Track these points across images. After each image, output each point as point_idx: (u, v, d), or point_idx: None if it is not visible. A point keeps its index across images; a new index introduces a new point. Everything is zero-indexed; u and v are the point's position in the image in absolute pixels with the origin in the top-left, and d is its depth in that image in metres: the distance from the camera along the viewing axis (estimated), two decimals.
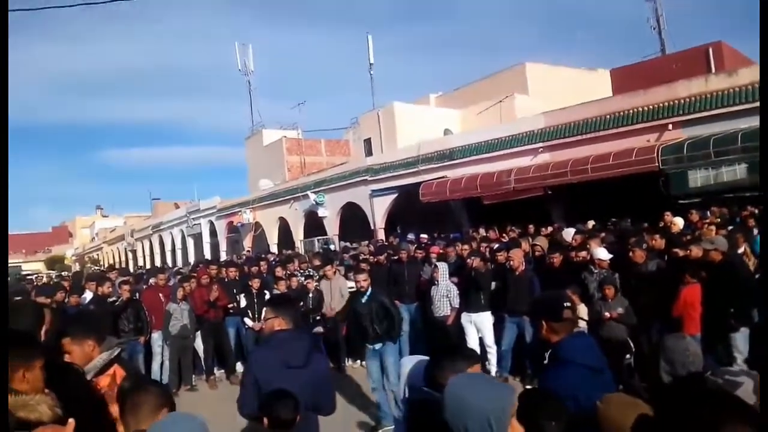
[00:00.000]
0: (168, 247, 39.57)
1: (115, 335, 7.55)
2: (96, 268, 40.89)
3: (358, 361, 10.09)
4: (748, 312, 6.15)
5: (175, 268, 19.93)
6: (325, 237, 23.34)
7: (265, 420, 3.27)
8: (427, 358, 2.76)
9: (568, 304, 3.00)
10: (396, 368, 6.18)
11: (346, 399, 8.03)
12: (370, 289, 7.02)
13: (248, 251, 24.52)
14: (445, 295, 8.58)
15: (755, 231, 8.37)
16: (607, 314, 6.65)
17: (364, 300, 6.93)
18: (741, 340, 6.10)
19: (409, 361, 2.84)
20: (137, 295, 10.28)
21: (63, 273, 40.78)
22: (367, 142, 28.62)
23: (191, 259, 33.23)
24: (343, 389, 8.46)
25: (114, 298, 9.21)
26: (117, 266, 27.24)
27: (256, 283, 10.00)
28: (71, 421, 1.92)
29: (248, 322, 9.83)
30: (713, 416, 1.78)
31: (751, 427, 1.67)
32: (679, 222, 9.68)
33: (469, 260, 8.61)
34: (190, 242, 35.75)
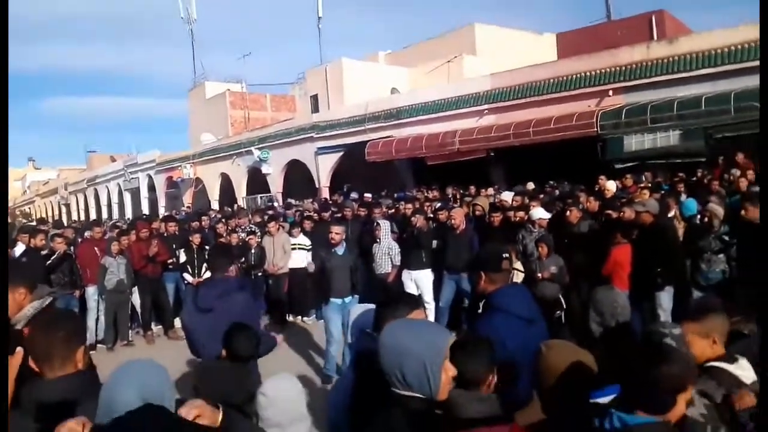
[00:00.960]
0: (104, 202, 38.33)
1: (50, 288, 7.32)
2: (26, 221, 39.30)
3: (300, 317, 10.14)
4: (674, 272, 6.45)
5: (112, 222, 19.34)
6: (268, 194, 23.07)
7: (224, 352, 3.29)
8: (375, 306, 2.81)
9: (506, 255, 3.08)
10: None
11: (294, 354, 8.08)
12: (344, 243, 7.06)
13: (188, 207, 24.05)
14: (387, 252, 8.65)
15: (684, 196, 8.74)
16: (540, 275, 6.87)
17: (341, 252, 6.96)
18: (665, 298, 6.40)
19: (359, 309, 2.89)
20: (72, 248, 9.99)
21: None
22: (314, 99, 28.16)
23: (128, 214, 32.35)
24: (290, 345, 8.51)
25: (46, 251, 8.90)
26: (47, 219, 26.20)
27: (196, 239, 9.84)
28: (19, 349, 1.86)
29: (188, 277, 9.68)
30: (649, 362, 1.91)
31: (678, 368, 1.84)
32: (611, 186, 10.00)
33: (413, 219, 8.68)
34: (128, 197, 34.71)
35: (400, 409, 1.81)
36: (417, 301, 2.68)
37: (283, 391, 2.45)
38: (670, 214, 7.61)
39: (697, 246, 6.39)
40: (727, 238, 6.12)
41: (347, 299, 6.86)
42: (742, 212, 5.85)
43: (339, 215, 10.68)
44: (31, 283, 3.05)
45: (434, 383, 1.80)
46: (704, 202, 7.15)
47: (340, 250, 6.99)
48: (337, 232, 7.03)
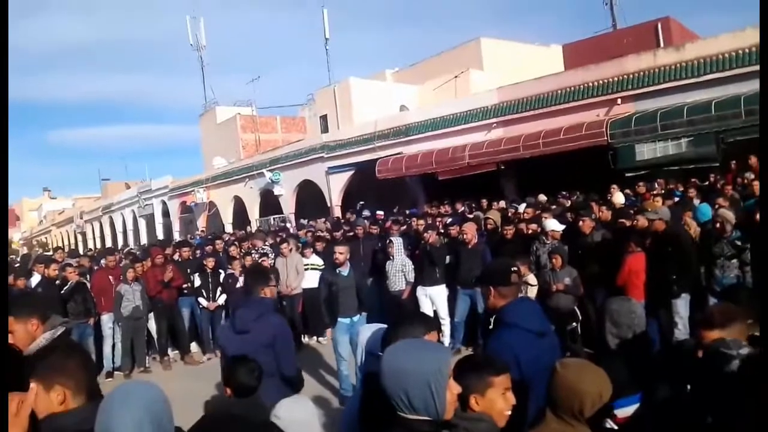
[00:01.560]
0: (119, 229, 38.66)
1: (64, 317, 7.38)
2: (43, 251, 39.71)
3: (315, 338, 10.13)
4: (689, 279, 6.38)
5: (126, 249, 19.51)
6: (281, 215, 23.15)
7: (227, 389, 3.28)
8: (383, 326, 2.79)
9: (515, 268, 3.06)
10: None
11: (310, 375, 8.04)
12: (348, 262, 7.08)
13: (203, 231, 24.18)
14: (400, 269, 8.64)
15: (696, 201, 8.67)
16: (554, 287, 6.82)
17: (345, 273, 6.97)
18: (682, 305, 6.33)
19: (367, 329, 2.86)
20: (88, 276, 10.08)
21: (11, 257, 39.43)
22: (323, 119, 28.33)
23: (143, 240, 32.58)
24: (305, 366, 8.48)
25: (59, 281, 8.98)
26: (63, 248, 26.46)
27: (210, 263, 9.90)
28: (33, 386, 1.86)
29: (203, 302, 9.73)
30: None
31: None
32: (619, 199, 9.92)
33: (425, 235, 8.67)
34: (142, 223, 34.99)
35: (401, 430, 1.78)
36: (433, 323, 2.66)
37: (296, 413, 2.44)
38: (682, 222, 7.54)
39: (710, 252, 6.32)
40: (740, 243, 6.04)
41: (355, 318, 6.89)
42: (757, 216, 5.78)
43: (351, 234, 10.69)
44: (43, 314, 3.07)
45: (440, 404, 1.77)
46: (716, 207, 7.10)
47: (344, 270, 7.01)
48: (341, 252, 7.06)
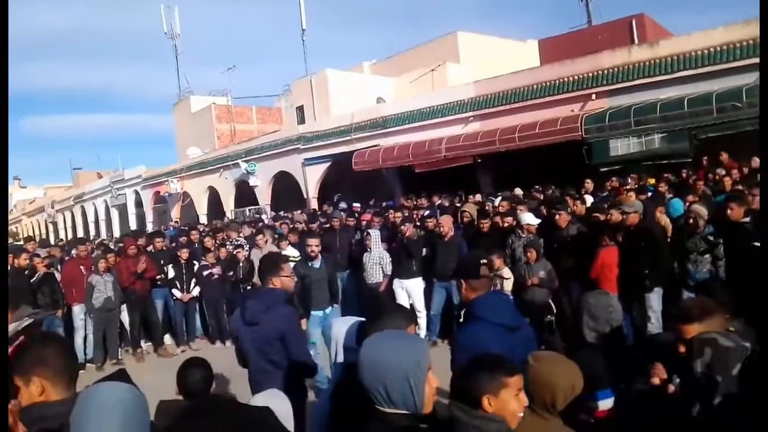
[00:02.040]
0: (91, 219, 38.00)
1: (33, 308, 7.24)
2: (13, 240, 38.89)
3: None
4: (662, 273, 6.48)
5: (98, 240, 19.20)
6: (256, 206, 22.99)
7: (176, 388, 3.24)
8: (359, 319, 2.78)
9: (484, 261, 3.07)
10: None
11: None
12: (320, 255, 7.10)
13: (176, 222, 23.89)
14: (378, 262, 8.63)
15: (668, 196, 8.81)
16: (529, 281, 6.89)
17: (317, 265, 6.98)
18: (655, 299, 6.43)
19: (342, 323, 2.84)
20: (59, 267, 9.91)
21: None
22: (300, 110, 28.16)
23: (116, 230, 32.11)
24: None
25: (28, 271, 8.82)
26: (34, 238, 25.93)
27: (185, 254, 9.81)
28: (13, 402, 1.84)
29: (176, 293, 9.65)
30: None
31: None
32: (588, 200, 9.99)
33: (402, 227, 8.67)
34: (115, 213, 34.45)
35: (384, 426, 1.77)
36: (411, 315, 2.66)
37: (271, 407, 2.42)
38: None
39: (683, 247, 6.42)
40: (712, 238, 6.14)
41: (327, 310, 6.92)
42: (728, 212, 5.89)
43: (328, 226, 10.65)
44: (13, 304, 3.02)
45: (418, 397, 1.77)
46: (688, 203, 7.22)
47: (317, 263, 7.03)
48: (316, 244, 7.07)
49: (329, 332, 5.68)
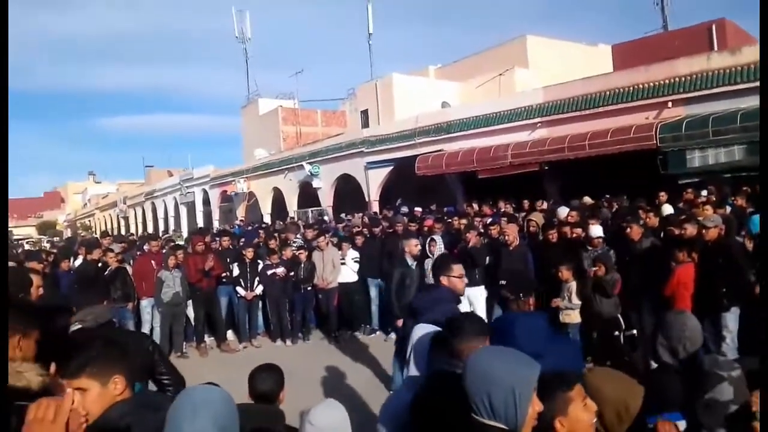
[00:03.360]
0: (161, 215, 39.44)
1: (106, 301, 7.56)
2: (86, 234, 40.77)
3: (349, 332, 10.12)
4: (740, 292, 6.13)
5: (166, 236, 19.84)
6: (319, 208, 23.27)
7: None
8: (437, 328, 2.74)
9: (503, 282, 2.97)
10: None
11: (343, 370, 8.04)
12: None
13: (242, 221, 24.46)
14: None
15: (749, 210, 8.35)
16: (589, 272, 6.70)
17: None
18: (731, 319, 6.10)
19: (422, 329, 2.82)
20: (131, 261, 10.29)
21: (54, 239, 40.68)
22: (364, 114, 28.36)
23: (184, 227, 33.15)
24: (341, 362, 8.49)
25: (101, 264, 9.18)
26: (109, 233, 27.11)
27: (249, 253, 10.00)
28: (69, 391, 1.85)
29: (240, 291, 9.83)
30: None
31: None
32: (667, 210, 9.61)
33: (467, 234, 8.55)
34: (183, 210, 35.61)
35: None
36: (486, 329, 2.59)
37: (327, 419, 2.39)
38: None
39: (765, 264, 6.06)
40: None
41: None
42: None
43: (391, 230, 10.64)
44: (87, 297, 3.10)
45: (521, 414, 1.75)
46: None
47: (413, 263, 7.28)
48: (416, 244, 7.36)
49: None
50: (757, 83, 12.25)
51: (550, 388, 2.04)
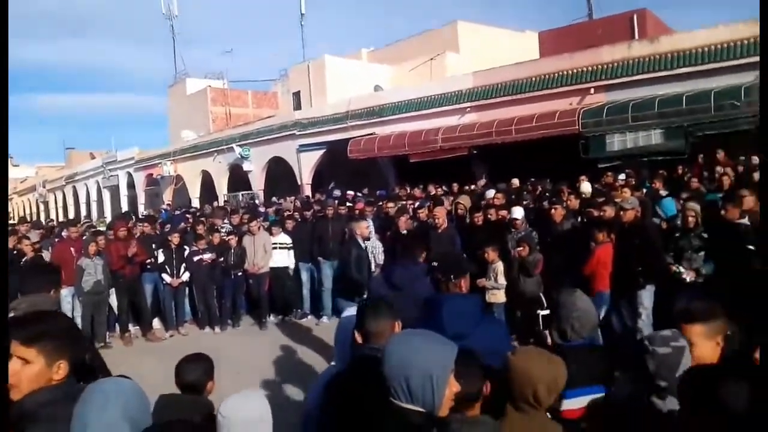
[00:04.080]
0: (83, 200, 37.81)
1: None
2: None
3: (280, 317, 10.05)
4: (655, 270, 6.43)
5: (87, 222, 19.03)
6: (250, 192, 22.88)
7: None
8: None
9: (435, 264, 3.02)
10: None
11: (272, 355, 7.98)
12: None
13: (168, 205, 23.77)
14: (371, 251, 8.56)
15: (662, 193, 8.78)
16: (513, 252, 6.90)
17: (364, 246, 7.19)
18: (646, 297, 6.38)
19: (349, 313, 2.81)
20: (50, 248, 9.81)
21: None
22: (296, 96, 27.96)
23: (107, 212, 31.96)
24: (271, 348, 8.42)
25: (15, 252, 8.71)
26: (27, 219, 25.77)
27: (175, 239, 9.73)
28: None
29: (166, 278, 9.56)
30: None
31: None
32: (586, 189, 10.00)
33: (399, 220, 8.59)
34: (107, 194, 34.26)
35: (397, 420, 1.78)
36: (396, 313, 2.60)
37: (243, 412, 2.22)
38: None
39: (677, 245, 6.39)
40: (706, 236, 6.11)
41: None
42: (722, 212, 5.85)
43: (321, 214, 10.57)
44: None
45: (438, 397, 1.79)
46: (682, 200, 7.18)
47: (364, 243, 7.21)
48: (366, 227, 7.30)
49: None
50: (674, 71, 12.87)
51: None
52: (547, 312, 6.75)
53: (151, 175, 29.16)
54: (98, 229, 12.01)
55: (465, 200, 9.28)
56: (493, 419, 2.19)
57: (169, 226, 12.23)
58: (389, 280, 4.45)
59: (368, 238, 8.32)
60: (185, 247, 9.79)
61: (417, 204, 9.74)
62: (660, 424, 2.16)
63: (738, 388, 1.76)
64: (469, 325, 2.86)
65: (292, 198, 16.22)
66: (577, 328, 2.75)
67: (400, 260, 4.99)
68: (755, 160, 9.94)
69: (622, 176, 10.50)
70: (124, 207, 30.42)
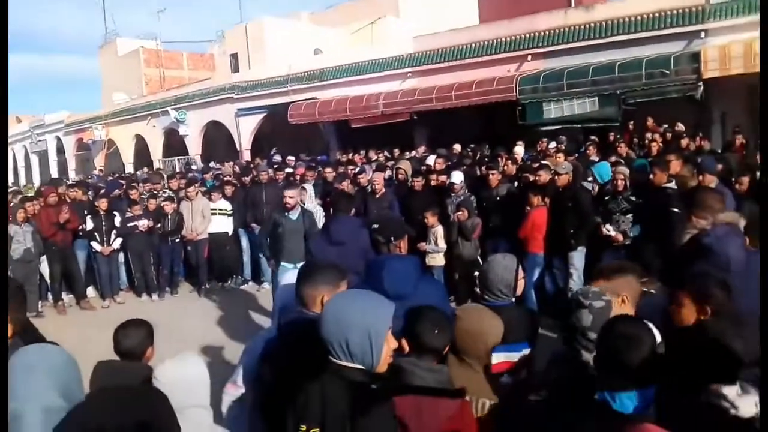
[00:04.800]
0: (9, 166, 35.98)
1: None
2: None
3: (219, 283, 9.96)
4: (586, 233, 6.71)
5: (14, 188, 18.18)
6: (186, 157, 22.30)
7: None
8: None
9: (375, 227, 3.08)
10: None
11: (211, 322, 7.94)
12: (299, 207, 6.83)
13: (100, 170, 22.95)
14: (312, 216, 8.53)
15: (596, 158, 9.08)
16: (452, 216, 7.09)
17: (294, 217, 6.69)
18: (578, 258, 6.66)
19: (290, 276, 2.82)
20: None
21: None
22: (234, 58, 27.19)
23: (36, 178, 30.59)
24: (208, 314, 8.36)
25: None
26: None
27: (103, 204, 9.34)
28: None
29: (96, 246, 9.22)
30: None
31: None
32: (519, 151, 10.26)
33: (339, 184, 8.59)
34: (35, 160, 32.78)
35: (337, 378, 1.81)
36: (343, 272, 2.64)
37: (179, 373, 2.21)
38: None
39: (606, 207, 6.65)
40: (633, 198, 6.38)
41: (299, 264, 6.70)
42: (651, 176, 6.12)
43: (255, 179, 10.43)
44: None
45: (376, 355, 1.83)
46: (612, 164, 7.46)
47: (293, 214, 6.71)
48: (291, 195, 6.75)
49: None
50: (608, 39, 13.22)
51: None
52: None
53: (82, 139, 28.01)
54: (27, 195, 11.51)
55: (406, 165, 9.34)
56: (447, 368, 2.27)
57: (103, 191, 11.82)
58: (328, 236, 4.69)
59: (302, 204, 8.14)
60: (115, 213, 9.47)
61: (358, 169, 9.74)
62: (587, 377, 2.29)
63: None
64: (409, 286, 2.93)
65: (231, 163, 15.92)
66: (502, 288, 2.87)
67: (332, 217, 5.14)
68: (680, 126, 10.42)
69: (552, 144, 10.79)
70: (54, 173, 29.19)
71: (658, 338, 2.04)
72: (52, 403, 1.58)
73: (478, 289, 3.00)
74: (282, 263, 6.58)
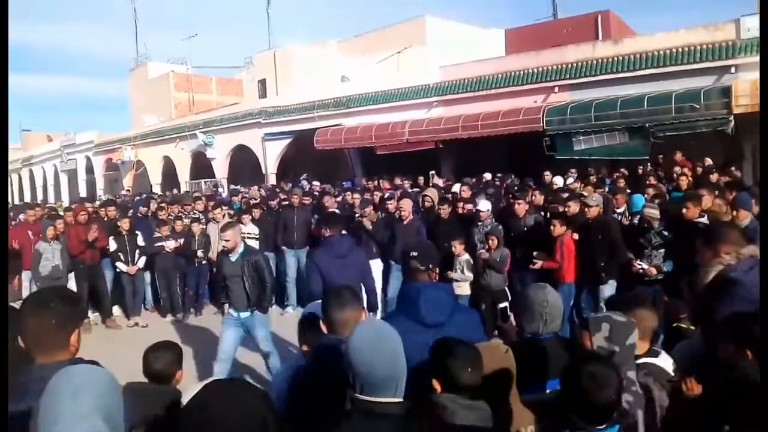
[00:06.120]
0: (39, 183, 36.75)
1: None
2: None
3: None
4: (617, 266, 6.61)
5: (48, 205, 18.54)
6: (213, 179, 22.56)
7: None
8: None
9: (414, 254, 3.05)
10: (268, 341, 6.05)
11: (242, 345, 7.90)
12: (241, 247, 6.00)
13: (128, 191, 23.29)
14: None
15: (627, 191, 9.00)
16: (479, 256, 6.98)
17: (234, 259, 5.92)
18: (608, 291, 6.56)
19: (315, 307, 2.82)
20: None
21: None
22: (262, 84, 27.63)
23: (65, 196, 31.13)
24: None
25: None
26: None
27: (125, 224, 9.40)
28: None
29: (121, 266, 9.27)
30: None
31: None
32: (558, 181, 10.20)
33: (364, 210, 8.62)
34: (64, 178, 33.36)
35: (363, 414, 1.77)
36: (360, 301, 2.63)
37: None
38: (620, 210, 7.84)
39: (637, 242, 6.57)
40: (666, 233, 6.30)
41: (243, 315, 5.93)
42: (684, 210, 6.05)
43: (287, 203, 10.51)
44: None
45: (401, 387, 1.80)
46: (650, 198, 7.39)
47: (233, 256, 5.93)
48: (227, 238, 5.90)
49: (256, 334, 5.95)
50: (637, 72, 13.19)
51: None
52: (505, 305, 6.90)
53: (111, 159, 28.50)
54: (57, 212, 11.70)
55: (432, 193, 9.34)
56: (487, 406, 2.19)
57: (130, 212, 11.96)
58: (332, 250, 5.17)
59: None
60: (137, 232, 9.53)
61: (386, 196, 9.76)
62: None
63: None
64: (445, 314, 2.87)
65: (257, 187, 16.07)
66: (548, 322, 2.81)
67: (328, 236, 5.44)
68: (709, 161, 10.32)
69: (570, 180, 10.67)
70: (83, 192, 29.70)
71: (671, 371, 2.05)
72: (97, 429, 1.55)
73: (517, 323, 2.97)
74: (227, 311, 6.08)
